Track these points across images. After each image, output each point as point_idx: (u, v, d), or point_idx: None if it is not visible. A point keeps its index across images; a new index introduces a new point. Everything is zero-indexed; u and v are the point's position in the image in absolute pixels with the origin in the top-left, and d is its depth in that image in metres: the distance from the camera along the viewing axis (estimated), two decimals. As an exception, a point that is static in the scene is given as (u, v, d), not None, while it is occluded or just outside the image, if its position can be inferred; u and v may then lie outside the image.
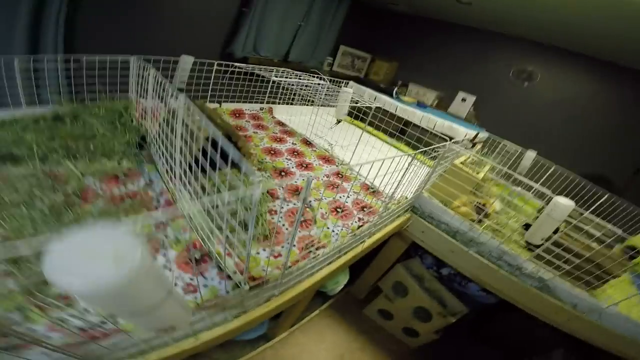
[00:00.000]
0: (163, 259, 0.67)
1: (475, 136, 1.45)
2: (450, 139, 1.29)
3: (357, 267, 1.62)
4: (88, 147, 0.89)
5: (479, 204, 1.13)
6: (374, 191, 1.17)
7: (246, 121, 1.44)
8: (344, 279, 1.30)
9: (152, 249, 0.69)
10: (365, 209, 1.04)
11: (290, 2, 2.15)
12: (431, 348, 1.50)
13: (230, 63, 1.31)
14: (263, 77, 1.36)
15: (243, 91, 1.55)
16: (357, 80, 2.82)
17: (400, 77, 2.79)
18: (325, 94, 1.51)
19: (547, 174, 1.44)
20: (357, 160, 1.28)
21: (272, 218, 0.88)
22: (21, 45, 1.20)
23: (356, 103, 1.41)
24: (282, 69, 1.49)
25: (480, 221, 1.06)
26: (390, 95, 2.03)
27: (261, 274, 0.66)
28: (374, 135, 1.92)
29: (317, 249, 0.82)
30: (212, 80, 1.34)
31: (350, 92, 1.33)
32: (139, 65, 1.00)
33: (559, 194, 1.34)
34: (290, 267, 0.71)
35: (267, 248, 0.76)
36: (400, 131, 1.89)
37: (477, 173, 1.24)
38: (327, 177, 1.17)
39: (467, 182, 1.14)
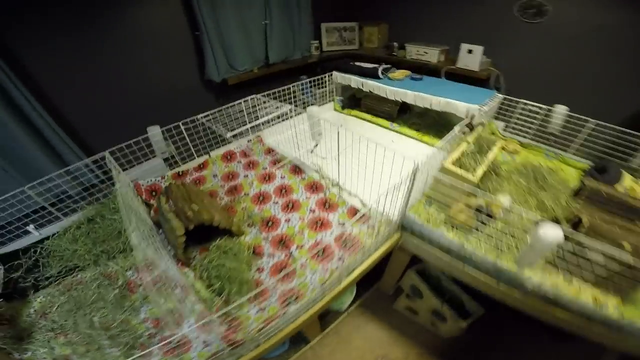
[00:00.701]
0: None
1: (472, 119, 1.26)
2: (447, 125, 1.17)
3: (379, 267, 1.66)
4: (120, 244, 1.08)
5: (481, 206, 1.02)
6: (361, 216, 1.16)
7: (237, 162, 1.49)
8: (349, 298, 1.36)
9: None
10: (347, 244, 1.05)
11: (243, 5, 1.99)
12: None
13: (196, 117, 1.34)
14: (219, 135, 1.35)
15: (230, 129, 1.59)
16: (352, 55, 2.60)
17: (395, 38, 2.49)
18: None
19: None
20: (353, 165, 1.23)
21: (260, 276, 0.97)
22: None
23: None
24: (252, 96, 1.46)
25: (483, 223, 0.98)
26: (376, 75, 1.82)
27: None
28: (375, 124, 1.81)
29: (296, 299, 0.89)
30: (189, 139, 1.40)
31: (315, 110, 1.26)
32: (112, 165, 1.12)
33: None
34: (263, 328, 0.80)
35: (256, 305, 0.86)
36: (402, 109, 1.75)
37: (479, 165, 1.11)
38: (312, 212, 1.19)
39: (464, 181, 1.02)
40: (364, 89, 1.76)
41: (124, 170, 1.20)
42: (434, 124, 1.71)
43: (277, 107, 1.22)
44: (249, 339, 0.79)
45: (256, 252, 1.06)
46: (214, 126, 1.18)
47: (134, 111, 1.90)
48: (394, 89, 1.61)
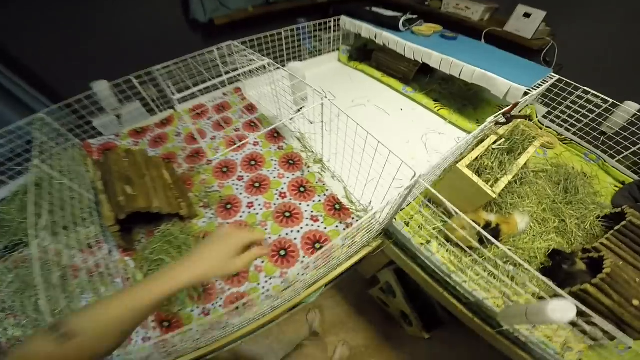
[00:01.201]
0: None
1: (514, 107, 0.94)
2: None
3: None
4: (69, 215, 0.89)
5: (489, 224, 0.78)
6: (339, 209, 0.96)
7: (208, 119, 1.26)
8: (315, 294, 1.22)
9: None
10: (317, 245, 0.87)
11: None
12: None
13: (151, 69, 1.07)
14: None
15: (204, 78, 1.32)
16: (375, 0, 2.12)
17: None
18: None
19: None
20: (346, 142, 0.98)
21: None
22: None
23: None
24: (227, 43, 1.16)
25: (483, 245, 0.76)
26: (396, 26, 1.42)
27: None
28: (385, 84, 1.49)
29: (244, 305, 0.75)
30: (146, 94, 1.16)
31: (299, 67, 0.97)
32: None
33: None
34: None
35: (199, 306, 0.75)
36: (423, 70, 1.41)
37: (505, 172, 0.82)
38: (283, 196, 0.99)
39: (478, 196, 0.77)
40: (378, 41, 1.41)
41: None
42: (458, 95, 1.38)
43: (251, 60, 0.94)
44: (189, 346, 0.67)
45: None
46: (165, 83, 0.92)
47: (105, 55, 1.63)
48: (416, 46, 1.26)
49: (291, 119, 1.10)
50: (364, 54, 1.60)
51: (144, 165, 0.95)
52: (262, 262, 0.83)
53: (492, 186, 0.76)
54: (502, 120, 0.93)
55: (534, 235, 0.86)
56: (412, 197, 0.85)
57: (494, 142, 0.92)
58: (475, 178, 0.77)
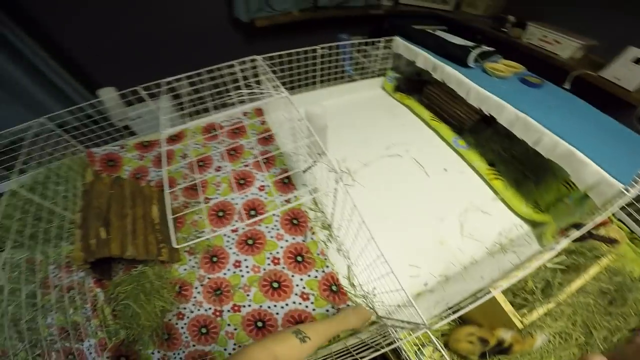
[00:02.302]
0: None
1: (603, 224, 0.65)
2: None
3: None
4: (55, 227, 0.84)
5: (502, 341, 0.62)
6: (335, 292, 0.76)
7: (218, 143, 1.12)
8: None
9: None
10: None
11: None
12: None
13: (159, 82, 0.94)
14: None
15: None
16: (440, 18, 1.82)
17: (513, 9, 1.63)
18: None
19: None
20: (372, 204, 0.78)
21: (177, 323, 0.73)
22: None
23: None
24: (251, 57, 0.99)
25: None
26: (464, 60, 1.12)
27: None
28: (432, 129, 1.23)
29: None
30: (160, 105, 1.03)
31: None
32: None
33: None
34: None
35: (161, 351, 0.69)
36: (484, 120, 1.12)
37: (547, 300, 0.64)
38: (275, 263, 0.82)
39: (500, 319, 0.62)
40: (435, 76, 1.15)
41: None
42: (521, 160, 1.08)
43: (262, 93, 0.75)
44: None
45: (183, 293, 0.78)
46: (157, 108, 0.78)
47: (144, 46, 1.57)
48: (486, 93, 0.98)
49: (304, 171, 0.91)
50: (415, 85, 1.34)
51: (129, 201, 0.83)
52: (235, 329, 0.72)
53: (523, 315, 0.62)
54: (577, 234, 0.65)
55: (547, 351, 0.66)
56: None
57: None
58: (507, 307, 0.61)
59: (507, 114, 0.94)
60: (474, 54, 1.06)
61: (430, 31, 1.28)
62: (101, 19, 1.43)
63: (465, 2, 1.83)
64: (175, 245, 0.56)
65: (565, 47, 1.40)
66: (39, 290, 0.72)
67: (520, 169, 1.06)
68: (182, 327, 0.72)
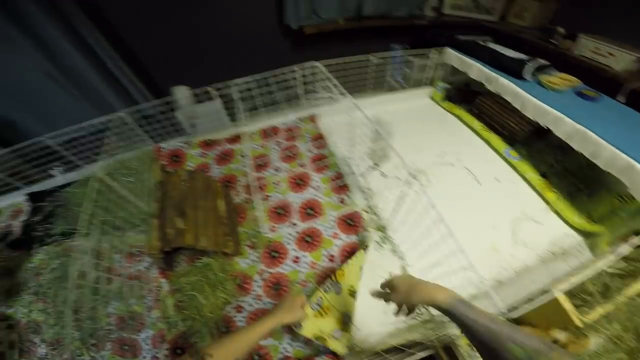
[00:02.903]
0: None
1: None
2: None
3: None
4: (122, 215, 0.91)
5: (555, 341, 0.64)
6: None
7: (276, 144, 1.18)
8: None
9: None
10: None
11: None
12: None
13: (227, 83, 1.00)
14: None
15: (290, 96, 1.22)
16: (485, 29, 1.82)
17: (562, 20, 1.60)
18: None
19: None
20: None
21: (235, 316, 0.76)
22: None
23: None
24: (310, 63, 1.04)
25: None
26: (519, 73, 1.13)
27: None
28: (483, 139, 1.24)
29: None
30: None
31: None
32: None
33: None
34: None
35: None
36: (537, 132, 1.13)
37: (605, 300, 0.65)
38: (331, 259, 0.85)
39: (559, 319, 0.64)
40: (490, 87, 1.16)
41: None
42: (574, 173, 1.07)
43: (331, 92, 0.80)
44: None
45: (244, 287, 0.82)
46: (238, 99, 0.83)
47: (202, 50, 1.67)
48: (543, 105, 0.99)
49: (361, 174, 0.94)
50: (465, 95, 1.36)
51: (201, 193, 0.90)
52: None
53: (583, 313, 0.63)
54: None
55: (597, 354, 0.67)
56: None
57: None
58: (568, 306, 0.62)
59: (565, 127, 0.94)
60: (530, 66, 1.07)
61: (481, 42, 1.29)
62: (161, 24, 1.54)
63: (512, 13, 1.82)
64: (265, 234, 0.60)
65: (619, 59, 1.37)
66: (103, 277, 0.76)
67: (573, 181, 1.06)
68: (240, 320, 0.75)
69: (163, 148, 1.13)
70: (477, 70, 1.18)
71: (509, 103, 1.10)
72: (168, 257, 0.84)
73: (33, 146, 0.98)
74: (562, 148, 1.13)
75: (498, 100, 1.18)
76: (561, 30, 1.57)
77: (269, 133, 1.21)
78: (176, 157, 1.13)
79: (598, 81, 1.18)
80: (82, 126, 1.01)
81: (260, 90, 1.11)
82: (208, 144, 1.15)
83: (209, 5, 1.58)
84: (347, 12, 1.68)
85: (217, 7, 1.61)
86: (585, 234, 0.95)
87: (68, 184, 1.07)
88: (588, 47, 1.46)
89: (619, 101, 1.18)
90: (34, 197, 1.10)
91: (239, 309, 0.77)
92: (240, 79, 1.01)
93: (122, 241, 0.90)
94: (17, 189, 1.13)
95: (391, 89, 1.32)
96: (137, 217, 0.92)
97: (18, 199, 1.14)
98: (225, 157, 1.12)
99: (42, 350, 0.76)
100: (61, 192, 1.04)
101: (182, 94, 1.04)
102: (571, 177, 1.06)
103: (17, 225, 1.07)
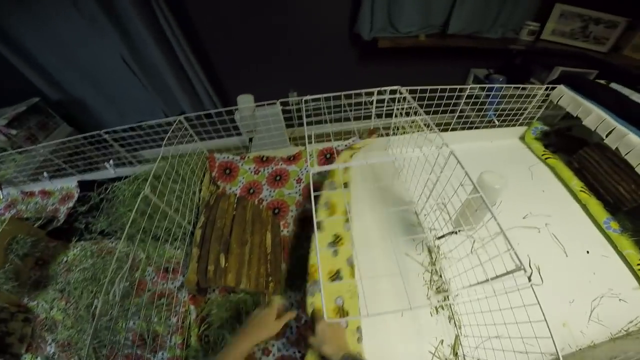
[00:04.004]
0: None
1: None
2: None
3: None
4: (163, 225, 0.80)
5: None
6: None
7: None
8: None
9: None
10: None
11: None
12: None
13: (304, 99, 0.87)
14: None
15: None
16: (591, 61, 1.53)
17: None
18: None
19: None
20: None
21: (260, 358, 0.68)
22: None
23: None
24: (393, 87, 0.88)
25: None
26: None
27: None
28: (579, 201, 0.99)
29: None
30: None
31: (492, 182, 0.61)
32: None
33: None
34: None
35: None
36: None
37: None
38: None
39: None
40: (608, 142, 0.91)
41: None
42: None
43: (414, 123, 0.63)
44: None
45: None
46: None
47: (267, 57, 1.60)
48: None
49: (440, 238, 0.77)
50: (565, 142, 1.11)
51: (250, 226, 0.79)
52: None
53: None
54: None
55: None
56: None
57: None
58: None
59: None
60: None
61: (604, 82, 1.04)
62: (238, 25, 1.48)
63: (631, 46, 1.50)
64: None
65: None
66: (132, 290, 0.71)
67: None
68: None
69: (217, 158, 1.06)
70: (596, 117, 0.94)
71: (624, 163, 0.85)
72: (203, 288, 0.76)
73: (90, 139, 0.96)
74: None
75: (609, 156, 0.93)
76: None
77: (325, 155, 1.07)
78: (229, 170, 1.04)
79: None
80: (140, 124, 0.96)
81: (328, 103, 0.98)
82: (263, 161, 1.06)
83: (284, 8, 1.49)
84: (431, 28, 1.49)
85: (290, 9, 1.51)
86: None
87: (119, 178, 1.03)
88: None
89: None
90: (83, 186, 1.09)
91: (267, 352, 0.69)
92: (311, 96, 0.89)
93: (159, 254, 0.83)
94: (71, 175, 1.13)
95: (470, 122, 1.11)
96: (177, 233, 0.84)
97: (71, 184, 1.14)
98: (278, 179, 1.01)
99: (51, 349, 0.73)
100: (111, 186, 1.00)
101: (246, 102, 0.94)
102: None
103: (63, 211, 1.06)
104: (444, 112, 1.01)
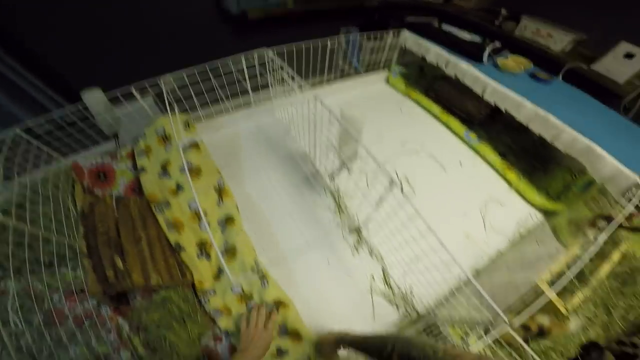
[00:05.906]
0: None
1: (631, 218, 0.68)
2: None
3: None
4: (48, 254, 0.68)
5: (541, 327, 0.67)
6: None
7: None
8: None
9: None
10: None
11: None
12: None
13: (158, 79, 0.81)
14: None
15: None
16: (431, 10, 1.81)
17: (505, 3, 1.65)
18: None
19: None
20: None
21: (216, 346, 0.67)
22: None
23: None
24: (259, 49, 0.90)
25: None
26: (478, 56, 1.14)
27: None
28: (443, 123, 1.22)
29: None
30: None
31: (358, 119, 0.71)
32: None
33: None
34: None
35: None
36: (493, 113, 1.13)
37: (584, 285, 0.69)
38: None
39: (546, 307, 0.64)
40: (448, 71, 1.13)
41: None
42: (532, 153, 1.11)
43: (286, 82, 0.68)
44: None
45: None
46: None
47: (120, 41, 1.38)
48: (503, 89, 0.98)
49: (332, 178, 0.85)
50: (421, 79, 1.32)
51: (140, 222, 0.72)
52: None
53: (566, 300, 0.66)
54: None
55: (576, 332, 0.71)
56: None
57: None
58: (552, 295, 0.63)
59: (526, 111, 0.94)
60: (488, 49, 1.06)
61: (436, 26, 1.26)
62: (67, 11, 1.23)
63: (456, -5, 1.84)
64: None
65: (557, 40, 1.45)
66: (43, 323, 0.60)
67: (530, 159, 1.10)
68: (222, 350, 0.66)
69: (83, 165, 0.90)
70: (435, 53, 1.15)
71: (466, 86, 1.09)
72: (119, 293, 0.69)
73: None
74: (518, 129, 1.16)
75: (455, 84, 1.16)
76: (503, 11, 1.62)
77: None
78: (103, 175, 0.91)
79: (539, 61, 1.23)
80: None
81: (200, 86, 0.94)
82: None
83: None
84: (295, -8, 1.52)
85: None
86: (547, 214, 0.99)
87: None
88: (529, 28, 1.52)
89: (564, 81, 1.25)
90: None
91: (218, 339, 0.67)
92: (170, 74, 0.83)
93: (57, 279, 0.70)
94: None
95: (344, 74, 1.23)
96: (61, 252, 0.71)
97: None
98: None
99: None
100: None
101: (94, 98, 0.81)
102: (528, 155, 1.10)
103: None
104: (322, 71, 1.07)
